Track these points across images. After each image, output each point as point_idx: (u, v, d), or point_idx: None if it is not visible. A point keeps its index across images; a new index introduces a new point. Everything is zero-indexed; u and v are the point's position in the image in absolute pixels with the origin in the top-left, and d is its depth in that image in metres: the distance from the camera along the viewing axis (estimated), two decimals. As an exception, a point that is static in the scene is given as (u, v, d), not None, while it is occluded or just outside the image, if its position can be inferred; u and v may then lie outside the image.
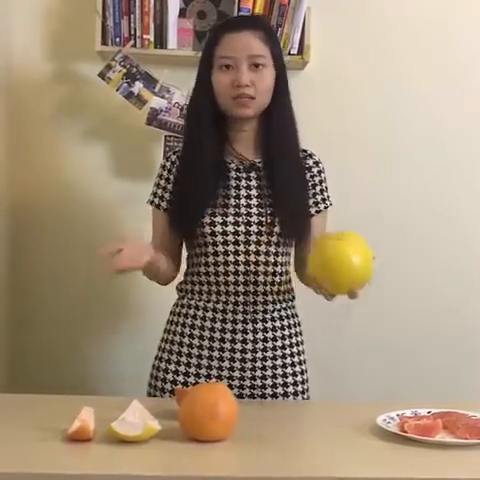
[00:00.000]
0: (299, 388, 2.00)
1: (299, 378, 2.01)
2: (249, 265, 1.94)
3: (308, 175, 2.03)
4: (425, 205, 2.82)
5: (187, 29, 2.65)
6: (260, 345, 1.96)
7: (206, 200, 1.94)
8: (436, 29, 2.79)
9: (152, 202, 2.04)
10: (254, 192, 1.97)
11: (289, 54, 2.60)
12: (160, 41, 2.62)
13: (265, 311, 1.97)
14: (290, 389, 1.98)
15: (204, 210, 1.94)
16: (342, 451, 1.51)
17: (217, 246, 1.94)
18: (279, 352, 1.98)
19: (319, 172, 2.05)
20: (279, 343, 1.99)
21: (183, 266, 2.08)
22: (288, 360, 1.99)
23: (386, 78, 2.79)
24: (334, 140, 2.74)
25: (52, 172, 2.76)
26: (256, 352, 1.96)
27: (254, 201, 1.96)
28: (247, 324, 1.96)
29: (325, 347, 2.73)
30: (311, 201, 2.03)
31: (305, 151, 2.05)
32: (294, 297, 2.06)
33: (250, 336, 1.96)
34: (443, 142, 2.82)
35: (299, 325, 2.06)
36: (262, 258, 1.94)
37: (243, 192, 1.97)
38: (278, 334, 1.99)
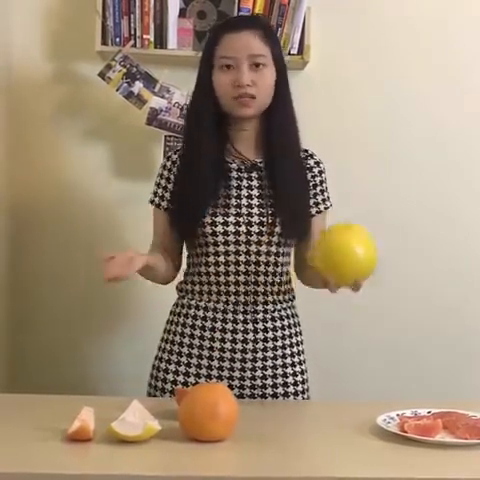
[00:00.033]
0: (299, 388, 2.00)
1: (299, 378, 2.01)
2: (250, 265, 1.94)
3: (309, 175, 2.03)
4: (425, 205, 2.82)
5: (187, 29, 2.65)
6: (260, 345, 1.96)
7: (207, 200, 1.94)
8: (436, 29, 2.79)
9: (153, 201, 2.04)
10: (255, 192, 1.97)
11: (289, 54, 2.60)
12: (160, 41, 2.62)
13: (265, 311, 1.97)
14: (290, 389, 1.98)
15: (205, 210, 1.94)
16: (342, 451, 1.51)
17: (218, 246, 1.94)
18: (279, 352, 1.98)
19: (320, 172, 2.05)
20: (279, 343, 1.99)
21: (183, 266, 2.08)
22: (288, 360, 1.99)
23: (386, 78, 2.79)
24: (334, 140, 2.74)
25: (52, 172, 2.76)
26: (256, 352, 1.96)
27: (255, 201, 1.96)
28: (247, 324, 1.96)
29: (325, 347, 2.73)
30: (312, 201, 2.03)
31: (306, 151, 2.05)
32: (294, 297, 2.06)
33: (250, 336, 1.96)
34: (443, 142, 2.82)
35: (299, 325, 2.06)
36: (263, 258, 1.94)
37: (244, 192, 1.97)
38: (278, 334, 1.99)
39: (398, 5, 2.80)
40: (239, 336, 1.95)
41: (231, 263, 1.94)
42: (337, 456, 1.48)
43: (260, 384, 1.96)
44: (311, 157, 2.05)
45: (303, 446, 1.58)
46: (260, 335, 1.96)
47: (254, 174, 1.98)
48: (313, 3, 2.66)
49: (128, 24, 2.60)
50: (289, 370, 1.99)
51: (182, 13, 2.66)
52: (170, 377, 1.97)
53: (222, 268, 1.94)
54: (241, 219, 1.94)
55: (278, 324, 1.99)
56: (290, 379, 1.99)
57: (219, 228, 1.93)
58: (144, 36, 2.61)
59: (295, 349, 2.02)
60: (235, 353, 1.95)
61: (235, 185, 1.97)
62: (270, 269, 1.96)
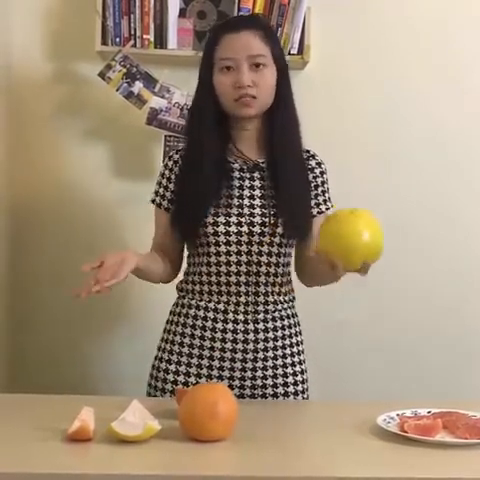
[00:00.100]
0: (299, 388, 2.00)
1: (299, 378, 2.01)
2: (251, 265, 1.94)
3: (310, 176, 2.03)
4: (425, 205, 2.82)
5: (187, 29, 2.65)
6: (261, 345, 1.96)
7: (209, 200, 1.94)
8: (436, 29, 2.79)
9: (154, 201, 2.04)
10: (257, 192, 1.97)
11: (289, 54, 2.60)
12: (160, 41, 2.62)
13: (266, 311, 1.97)
14: (290, 389, 1.98)
15: (207, 210, 1.93)
16: (342, 451, 1.51)
17: (219, 246, 1.94)
18: (280, 352, 1.98)
19: (321, 173, 2.05)
20: (280, 343, 1.99)
21: (183, 265, 2.08)
22: (288, 360, 1.99)
23: (386, 78, 2.79)
24: (334, 140, 2.74)
25: (52, 172, 2.76)
26: (257, 352, 1.96)
27: (257, 201, 1.96)
28: (248, 324, 1.96)
29: (325, 347, 2.73)
30: (313, 202, 2.03)
31: (308, 152, 2.05)
32: (295, 297, 2.06)
33: (251, 336, 1.96)
34: (443, 142, 2.82)
35: (299, 325, 2.06)
36: (264, 258, 1.94)
37: (246, 192, 1.96)
38: (279, 334, 1.99)
39: (398, 5, 2.80)
40: (240, 336, 1.95)
41: (232, 263, 1.94)
42: (337, 456, 1.48)
43: (260, 384, 1.96)
44: (313, 158, 2.05)
45: (303, 446, 1.58)
46: (261, 335, 1.96)
47: (256, 174, 1.98)
48: (313, 3, 2.66)
49: (128, 24, 2.60)
50: (289, 370, 1.99)
51: (182, 13, 2.66)
52: (170, 377, 1.97)
53: (223, 268, 1.94)
54: (243, 219, 1.94)
55: (278, 324, 1.99)
56: (290, 379, 1.99)
57: (221, 228, 1.93)
58: (144, 36, 2.61)
59: (295, 349, 2.02)
60: (236, 353, 1.95)
61: (237, 185, 1.97)
62: (271, 269, 1.96)
